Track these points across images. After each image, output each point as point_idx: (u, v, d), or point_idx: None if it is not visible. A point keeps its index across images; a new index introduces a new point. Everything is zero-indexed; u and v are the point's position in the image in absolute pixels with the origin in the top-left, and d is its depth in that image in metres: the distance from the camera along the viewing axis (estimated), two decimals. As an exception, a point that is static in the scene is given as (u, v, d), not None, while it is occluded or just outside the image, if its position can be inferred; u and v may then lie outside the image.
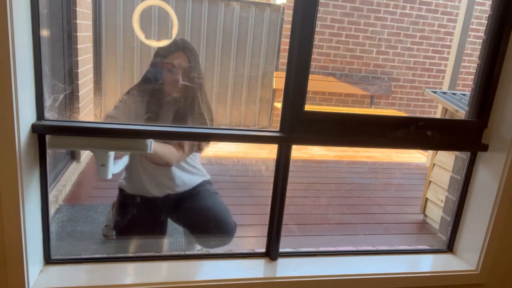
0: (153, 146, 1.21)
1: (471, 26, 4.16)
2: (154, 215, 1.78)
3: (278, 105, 4.74)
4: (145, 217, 1.75)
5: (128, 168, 1.78)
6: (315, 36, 1.09)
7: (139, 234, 1.73)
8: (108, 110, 1.74)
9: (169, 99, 1.67)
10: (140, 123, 1.09)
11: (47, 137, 1.04)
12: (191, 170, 1.83)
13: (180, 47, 1.65)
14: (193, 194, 1.80)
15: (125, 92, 1.68)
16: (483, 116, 1.26)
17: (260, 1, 4.59)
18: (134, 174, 1.74)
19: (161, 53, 1.67)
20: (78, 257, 1.16)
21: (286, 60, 1.11)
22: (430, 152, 3.42)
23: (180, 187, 1.78)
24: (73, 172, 2.91)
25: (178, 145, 1.64)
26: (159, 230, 1.78)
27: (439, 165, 2.78)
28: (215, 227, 1.73)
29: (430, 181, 2.87)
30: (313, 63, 5.20)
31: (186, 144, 1.67)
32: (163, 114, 1.68)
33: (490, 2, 1.19)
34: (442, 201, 2.72)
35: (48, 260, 1.12)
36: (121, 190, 1.80)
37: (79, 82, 2.97)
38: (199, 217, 1.78)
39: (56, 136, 1.05)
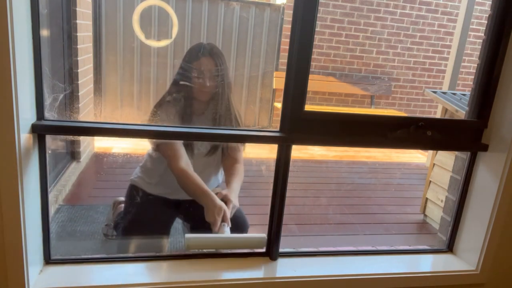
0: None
1: (471, 26, 4.16)
2: (168, 215, 1.78)
3: (278, 105, 4.74)
4: (158, 217, 1.73)
5: (154, 168, 1.76)
6: (315, 36, 1.09)
7: (146, 233, 1.72)
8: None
9: (201, 104, 1.69)
10: (139, 123, 1.09)
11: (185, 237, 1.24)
12: (220, 178, 1.89)
13: (206, 52, 1.66)
14: None
15: (156, 104, 1.67)
16: (483, 116, 1.26)
17: (260, 1, 4.58)
18: (168, 176, 1.71)
19: (187, 59, 1.68)
20: (78, 257, 1.16)
21: (286, 60, 1.11)
22: (430, 152, 3.42)
23: None
24: (73, 172, 2.91)
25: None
26: (166, 230, 1.78)
27: (439, 165, 2.78)
28: (234, 225, 1.73)
29: (430, 181, 2.87)
30: (313, 63, 5.20)
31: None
32: (199, 121, 1.69)
33: (490, 2, 1.19)
34: (442, 201, 2.72)
35: (48, 260, 1.12)
36: (135, 188, 1.77)
37: (79, 82, 2.97)
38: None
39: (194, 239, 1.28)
